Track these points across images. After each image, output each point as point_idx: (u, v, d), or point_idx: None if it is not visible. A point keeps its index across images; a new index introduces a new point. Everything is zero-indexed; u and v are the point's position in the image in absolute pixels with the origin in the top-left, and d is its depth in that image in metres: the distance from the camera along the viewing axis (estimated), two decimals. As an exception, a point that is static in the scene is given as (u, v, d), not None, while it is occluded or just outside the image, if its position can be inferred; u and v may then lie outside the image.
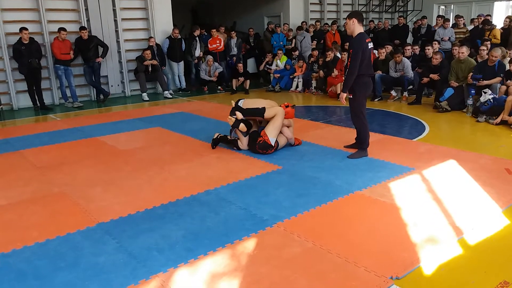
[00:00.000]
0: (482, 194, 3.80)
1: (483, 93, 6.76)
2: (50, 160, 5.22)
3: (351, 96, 4.82)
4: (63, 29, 8.64)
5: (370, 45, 4.70)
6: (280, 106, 5.38)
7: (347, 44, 10.32)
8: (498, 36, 9.61)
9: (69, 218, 3.55)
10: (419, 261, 2.75)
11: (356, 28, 4.65)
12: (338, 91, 9.02)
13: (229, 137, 5.42)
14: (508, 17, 10.37)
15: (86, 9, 9.45)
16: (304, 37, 11.65)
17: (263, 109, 5.09)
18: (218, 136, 5.45)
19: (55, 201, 3.92)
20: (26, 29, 8.21)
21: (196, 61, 10.78)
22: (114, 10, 9.86)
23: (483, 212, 3.45)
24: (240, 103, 5.34)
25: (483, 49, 7.64)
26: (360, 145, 5.02)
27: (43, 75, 8.84)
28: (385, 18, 14.62)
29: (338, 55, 9.92)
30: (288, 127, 5.35)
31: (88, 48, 8.98)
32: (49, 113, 8.47)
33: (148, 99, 9.72)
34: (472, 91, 7.11)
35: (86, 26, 9.29)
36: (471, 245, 2.97)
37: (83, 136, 6.36)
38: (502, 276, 2.58)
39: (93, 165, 4.97)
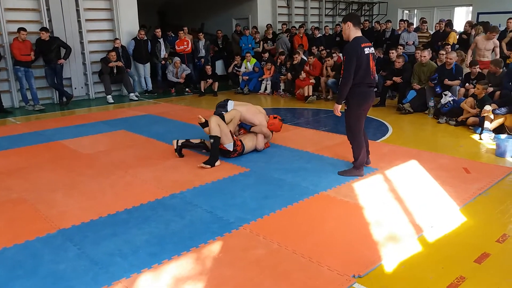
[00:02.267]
0: (441, 193, 3.94)
1: (443, 95, 7.01)
2: (9, 165, 5.02)
3: (346, 108, 4.34)
4: (23, 29, 8.33)
5: (368, 50, 4.14)
6: (269, 116, 5.42)
7: (314, 48, 10.61)
8: (454, 40, 9.97)
9: (28, 225, 3.43)
10: (380, 259, 2.82)
11: (352, 32, 4.18)
12: (306, 94, 9.15)
13: (193, 140, 5.22)
14: (468, 22, 10.81)
15: (48, 9, 9.16)
16: (279, 39, 11.82)
17: (216, 139, 4.77)
18: (177, 143, 5.12)
19: (13, 207, 3.78)
20: None
21: (163, 62, 10.65)
22: (78, 11, 9.60)
23: (442, 210, 3.57)
24: (230, 104, 5.29)
25: (442, 53, 7.91)
26: (353, 162, 4.50)
27: (1, 77, 8.50)
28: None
29: (305, 58, 10.04)
30: (265, 137, 5.33)
31: (50, 50, 8.70)
32: (9, 117, 8.15)
33: (113, 101, 9.52)
34: (437, 89, 7.35)
35: (48, 26, 9.00)
36: (430, 242, 3.07)
37: (44, 140, 6.15)
38: (459, 272, 2.68)
39: (54, 169, 4.82)
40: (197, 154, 5.24)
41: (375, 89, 8.52)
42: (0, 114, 8.30)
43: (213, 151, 4.82)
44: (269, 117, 5.45)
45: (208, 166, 4.74)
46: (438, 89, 7.35)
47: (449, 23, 10.80)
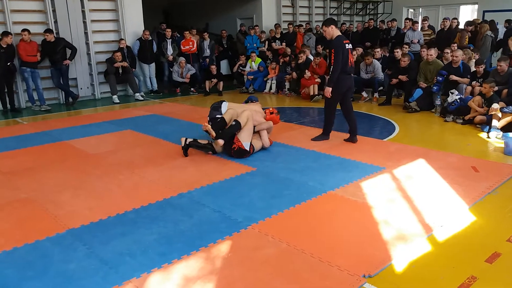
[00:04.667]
0: (450, 192, 3.91)
1: (450, 94, 6.97)
2: (17, 165, 5.05)
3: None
4: (26, 30, 8.38)
5: (348, 45, 5.32)
6: (265, 112, 5.51)
7: (319, 46, 10.60)
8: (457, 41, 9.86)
9: (38, 225, 3.44)
10: (390, 259, 2.80)
11: (335, 32, 5.35)
12: (311, 93, 9.14)
13: (200, 140, 5.20)
14: (474, 20, 10.72)
15: (54, 11, 9.20)
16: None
17: (238, 123, 4.91)
18: (186, 141, 5.13)
19: (22, 208, 3.79)
20: (9, 33, 8.12)
21: (170, 58, 10.64)
22: (83, 12, 9.64)
23: (451, 209, 3.55)
24: (224, 106, 5.28)
25: (447, 52, 7.86)
26: (323, 130, 5.76)
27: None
28: (356, 21, 14.89)
29: (310, 57, 10.02)
30: (268, 132, 5.39)
31: (55, 51, 8.73)
32: (16, 117, 8.19)
33: (118, 101, 9.55)
34: (435, 88, 7.33)
35: (53, 27, 9.05)
36: (440, 242, 3.05)
37: (51, 140, 6.18)
38: (470, 271, 2.66)
39: (62, 169, 4.84)
40: (204, 154, 5.24)
41: (381, 88, 8.72)
42: (12, 113, 8.38)
43: (229, 129, 4.95)
44: (265, 112, 5.56)
45: (213, 132, 4.89)
46: (436, 87, 7.33)
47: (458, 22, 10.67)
